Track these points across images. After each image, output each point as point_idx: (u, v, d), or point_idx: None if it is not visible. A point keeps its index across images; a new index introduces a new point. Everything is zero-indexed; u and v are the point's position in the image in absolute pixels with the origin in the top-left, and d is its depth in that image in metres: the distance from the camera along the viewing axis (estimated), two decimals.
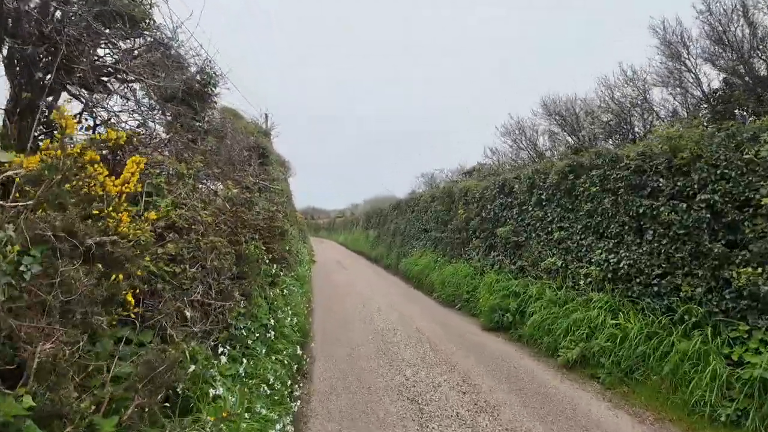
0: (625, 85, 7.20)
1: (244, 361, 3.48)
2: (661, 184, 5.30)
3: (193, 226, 3.05)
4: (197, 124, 5.50)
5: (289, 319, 4.94)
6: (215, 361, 3.15)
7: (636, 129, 7.54)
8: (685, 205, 4.94)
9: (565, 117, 8.29)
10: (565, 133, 8.51)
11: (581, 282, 6.16)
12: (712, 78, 6.44)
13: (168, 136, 3.96)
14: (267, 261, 5.37)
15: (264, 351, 4.05)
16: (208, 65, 5.59)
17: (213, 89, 5.62)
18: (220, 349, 3.41)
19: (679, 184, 5.05)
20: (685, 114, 7.32)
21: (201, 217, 3.22)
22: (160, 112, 4.49)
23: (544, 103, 8.77)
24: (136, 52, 4.26)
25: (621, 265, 5.65)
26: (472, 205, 9.69)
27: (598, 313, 5.64)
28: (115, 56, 4.04)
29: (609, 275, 5.82)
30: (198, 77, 5.52)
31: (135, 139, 3.37)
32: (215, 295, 3.51)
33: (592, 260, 6.08)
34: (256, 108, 19.47)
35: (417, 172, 36.83)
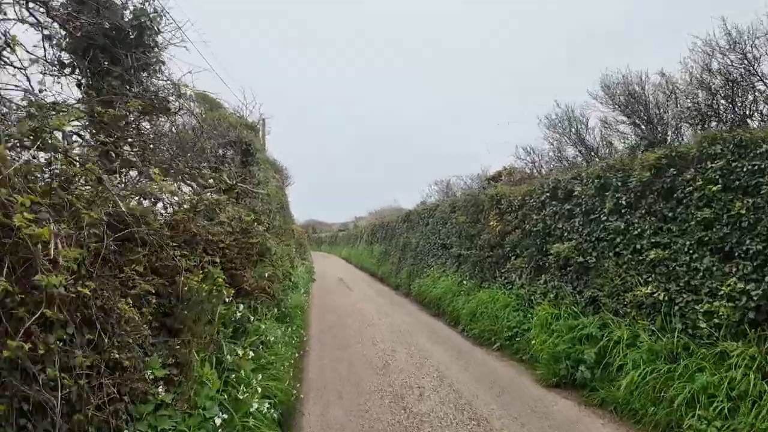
0: (728, 53, 5.33)
1: None
2: None
3: None
4: (128, 87, 3.62)
5: (256, 404, 2.92)
6: None
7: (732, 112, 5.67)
8: None
9: (638, 99, 6.38)
10: (635, 122, 6.56)
11: (702, 324, 4.17)
12: None
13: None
14: (228, 299, 3.43)
15: None
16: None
17: (154, 38, 3.75)
18: None
19: None
20: None
21: (18, 227, 1.32)
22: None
23: (605, 84, 6.88)
24: None
25: None
26: (509, 215, 7.73)
27: (744, 374, 3.66)
28: None
29: (751, 315, 3.84)
30: (130, 15, 3.68)
31: None
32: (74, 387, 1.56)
33: (719, 292, 4.10)
34: (240, 93, 17.07)
35: (429, 180, 33.86)
